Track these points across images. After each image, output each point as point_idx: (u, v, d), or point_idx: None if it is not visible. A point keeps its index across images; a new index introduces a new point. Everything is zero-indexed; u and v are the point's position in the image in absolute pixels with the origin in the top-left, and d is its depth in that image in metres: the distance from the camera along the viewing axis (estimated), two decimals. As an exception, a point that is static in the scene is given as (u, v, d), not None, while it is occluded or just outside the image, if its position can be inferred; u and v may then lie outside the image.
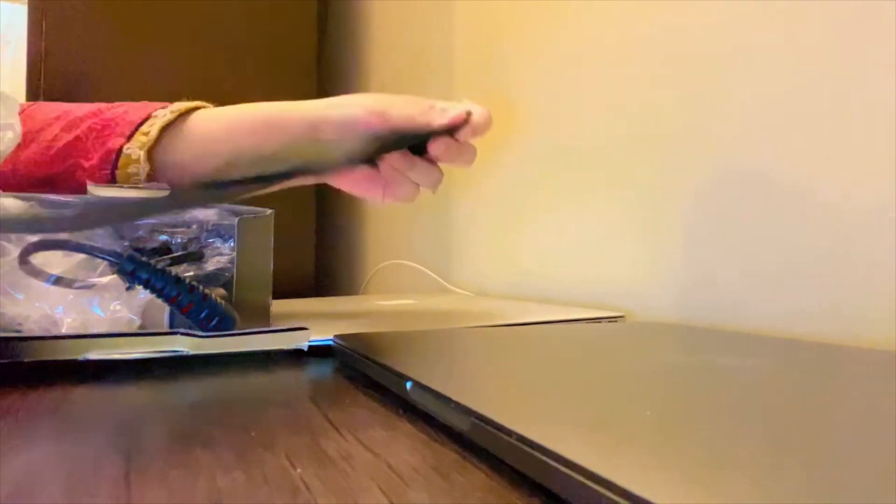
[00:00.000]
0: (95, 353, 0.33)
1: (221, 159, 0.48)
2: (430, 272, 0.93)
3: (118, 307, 0.39)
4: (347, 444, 0.22)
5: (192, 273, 0.42)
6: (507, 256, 0.78)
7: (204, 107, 0.51)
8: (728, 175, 0.49)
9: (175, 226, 0.44)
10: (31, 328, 0.37)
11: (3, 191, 0.41)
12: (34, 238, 0.37)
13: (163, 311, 0.39)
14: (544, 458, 0.16)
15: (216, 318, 0.38)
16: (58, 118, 0.49)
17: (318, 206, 1.28)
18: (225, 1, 1.14)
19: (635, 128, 0.59)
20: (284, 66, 1.18)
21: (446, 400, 0.23)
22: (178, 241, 0.44)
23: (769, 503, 0.13)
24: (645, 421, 0.20)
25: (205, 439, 0.22)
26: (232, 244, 0.44)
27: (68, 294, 0.38)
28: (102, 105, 0.51)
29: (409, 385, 0.26)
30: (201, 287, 0.38)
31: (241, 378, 0.33)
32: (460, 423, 0.21)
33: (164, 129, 0.48)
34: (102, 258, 0.37)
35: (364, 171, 0.49)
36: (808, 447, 0.17)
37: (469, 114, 0.46)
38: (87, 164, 0.47)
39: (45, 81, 1.01)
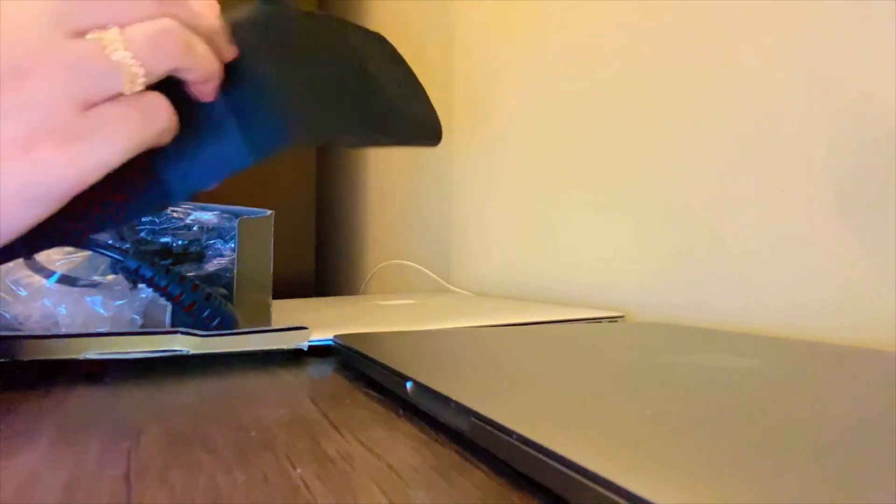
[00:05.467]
0: (95, 353, 0.33)
1: None
2: (430, 272, 0.93)
3: (120, 306, 0.39)
4: (347, 444, 0.22)
5: (192, 274, 0.42)
6: (506, 256, 0.78)
7: None
8: (728, 176, 0.49)
9: (176, 228, 0.44)
10: (32, 327, 0.37)
11: None
12: None
13: (164, 310, 0.39)
14: (544, 458, 0.16)
15: (218, 318, 0.38)
16: None
17: (318, 206, 1.28)
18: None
19: (635, 129, 0.59)
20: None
21: (446, 400, 0.23)
22: (180, 243, 0.44)
23: (769, 503, 0.13)
24: (645, 421, 0.20)
25: (205, 439, 0.22)
26: (232, 245, 0.44)
27: (71, 293, 0.38)
28: None
29: (409, 385, 0.26)
30: (204, 286, 0.38)
31: (241, 378, 0.33)
32: (460, 423, 0.21)
33: None
34: (107, 255, 0.37)
35: None
36: (807, 447, 0.17)
37: None
38: None
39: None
